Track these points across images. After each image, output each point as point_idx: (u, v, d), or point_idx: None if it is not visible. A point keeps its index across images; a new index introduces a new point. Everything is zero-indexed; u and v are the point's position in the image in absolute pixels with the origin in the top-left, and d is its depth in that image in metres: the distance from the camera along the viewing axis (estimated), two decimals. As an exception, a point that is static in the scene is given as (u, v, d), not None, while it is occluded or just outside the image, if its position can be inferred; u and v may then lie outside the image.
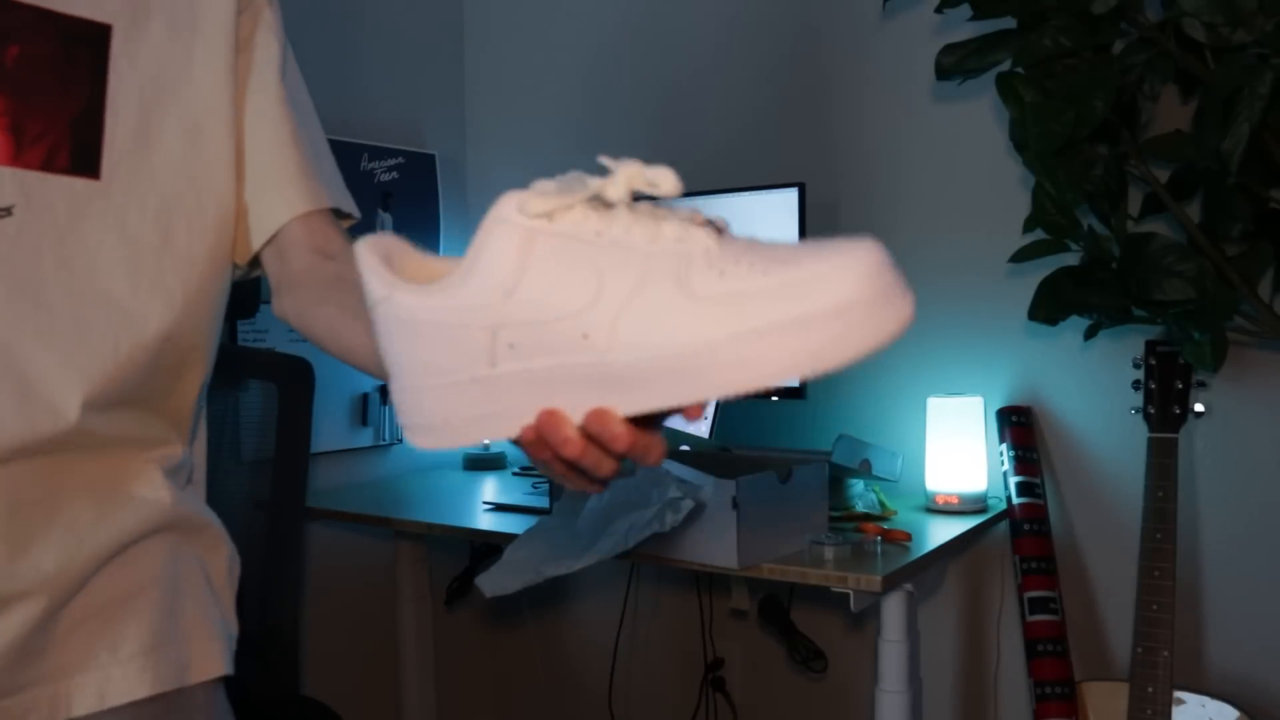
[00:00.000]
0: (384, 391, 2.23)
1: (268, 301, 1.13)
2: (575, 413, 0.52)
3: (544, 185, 0.52)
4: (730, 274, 0.49)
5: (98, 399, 0.74)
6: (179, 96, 0.78)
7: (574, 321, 0.50)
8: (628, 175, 0.50)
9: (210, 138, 0.80)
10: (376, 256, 0.55)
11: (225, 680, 0.83)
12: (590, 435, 0.52)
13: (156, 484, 0.78)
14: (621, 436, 0.51)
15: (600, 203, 0.51)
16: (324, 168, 0.87)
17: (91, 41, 0.74)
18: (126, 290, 0.75)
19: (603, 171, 0.52)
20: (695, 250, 0.50)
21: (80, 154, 0.73)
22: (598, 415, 0.51)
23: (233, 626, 0.85)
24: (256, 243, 0.83)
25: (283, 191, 0.82)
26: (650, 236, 0.50)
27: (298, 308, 0.81)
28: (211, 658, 0.79)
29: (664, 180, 0.50)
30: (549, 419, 0.52)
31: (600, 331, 0.50)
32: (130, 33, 0.76)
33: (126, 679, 0.74)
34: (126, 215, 0.75)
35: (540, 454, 0.54)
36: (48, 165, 0.72)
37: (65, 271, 0.72)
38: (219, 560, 0.85)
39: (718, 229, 0.51)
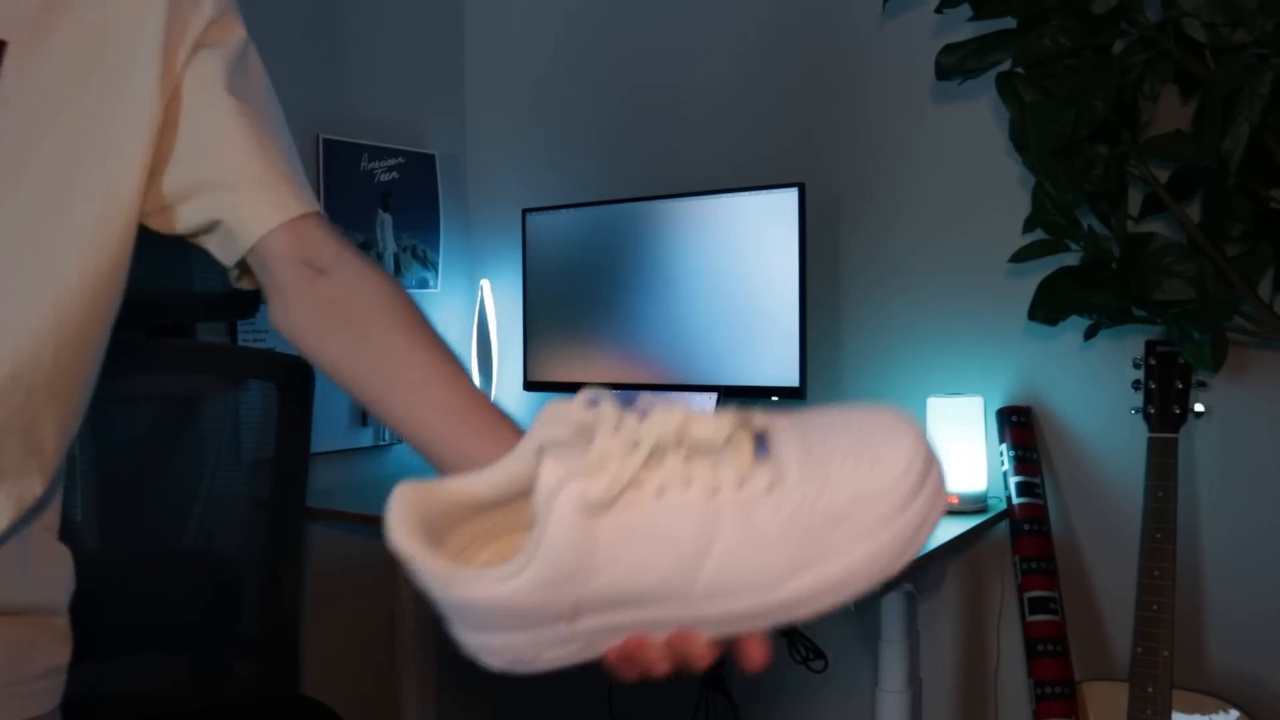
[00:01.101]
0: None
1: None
2: (657, 636, 0.54)
3: (576, 410, 0.51)
4: (793, 508, 0.50)
5: None
6: (60, 125, 0.72)
7: (652, 590, 0.51)
8: (675, 428, 0.50)
9: (87, 172, 0.73)
10: (420, 543, 0.52)
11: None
12: (673, 651, 0.54)
13: None
14: (704, 658, 0.54)
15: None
16: (299, 175, 0.81)
17: None
18: None
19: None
20: (757, 491, 0.50)
21: None
22: (682, 638, 0.54)
23: (35, 678, 0.76)
24: (232, 258, 0.78)
25: (253, 205, 0.76)
26: (710, 489, 0.50)
27: (295, 332, 0.77)
28: None
29: (710, 433, 0.50)
30: (636, 648, 0.54)
31: (681, 591, 0.51)
32: (27, 51, 0.70)
33: None
34: None
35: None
36: None
37: None
38: (40, 635, 0.77)
39: (761, 435, 0.52)
